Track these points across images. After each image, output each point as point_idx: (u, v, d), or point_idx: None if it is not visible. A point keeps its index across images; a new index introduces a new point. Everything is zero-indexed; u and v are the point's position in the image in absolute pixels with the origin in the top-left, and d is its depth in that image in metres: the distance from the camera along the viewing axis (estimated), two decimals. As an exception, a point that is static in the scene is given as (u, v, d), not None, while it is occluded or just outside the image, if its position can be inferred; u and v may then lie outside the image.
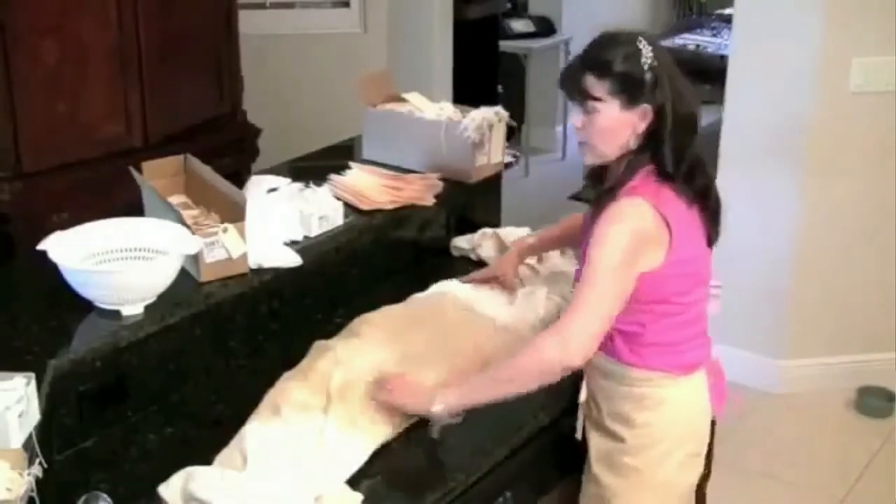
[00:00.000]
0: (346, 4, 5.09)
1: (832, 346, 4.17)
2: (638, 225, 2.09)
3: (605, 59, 2.12)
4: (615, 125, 2.13)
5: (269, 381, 2.43)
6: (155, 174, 2.66)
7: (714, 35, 6.29)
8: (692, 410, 2.29)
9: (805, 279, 4.08)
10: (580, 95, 2.15)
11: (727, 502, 3.53)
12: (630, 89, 2.10)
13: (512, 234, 2.99)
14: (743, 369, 4.17)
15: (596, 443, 2.31)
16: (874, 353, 4.17)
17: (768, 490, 3.66)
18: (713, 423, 2.40)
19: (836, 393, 4.14)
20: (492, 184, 3.18)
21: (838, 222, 4.02)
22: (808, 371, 4.17)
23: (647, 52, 2.10)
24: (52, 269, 2.23)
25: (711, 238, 2.25)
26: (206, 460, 2.13)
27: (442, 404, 2.16)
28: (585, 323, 2.08)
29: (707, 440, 2.36)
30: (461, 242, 3.05)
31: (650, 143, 2.13)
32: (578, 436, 2.37)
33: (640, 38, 2.13)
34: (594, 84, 2.12)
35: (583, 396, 2.37)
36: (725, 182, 4.12)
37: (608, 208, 2.11)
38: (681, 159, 2.13)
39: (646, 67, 2.10)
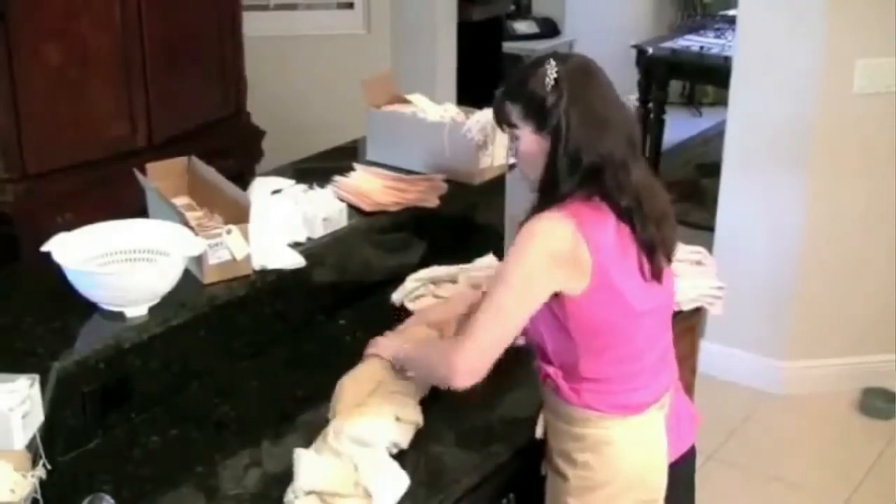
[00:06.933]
0: (350, 6, 5.10)
1: (836, 347, 4.17)
2: (550, 244, 2.00)
3: (514, 82, 2.09)
4: (534, 151, 2.07)
5: (273, 382, 2.45)
6: (159, 176, 2.67)
7: (718, 36, 6.26)
8: (640, 454, 2.14)
9: (809, 280, 4.08)
10: (503, 123, 2.12)
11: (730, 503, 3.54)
12: (536, 112, 2.03)
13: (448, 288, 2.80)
14: (746, 370, 4.19)
15: (549, 479, 2.21)
16: (878, 355, 4.17)
17: (772, 491, 3.65)
18: (690, 455, 2.30)
19: (840, 394, 4.13)
20: (496, 185, 3.18)
21: (842, 224, 4.02)
22: (811, 372, 4.16)
23: (551, 72, 2.01)
24: (56, 271, 2.23)
25: (652, 273, 2.09)
26: (210, 462, 2.14)
27: (398, 352, 2.31)
28: (474, 352, 2.03)
29: (662, 487, 2.17)
30: (396, 296, 2.78)
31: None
32: (543, 472, 2.26)
33: (551, 58, 2.04)
34: (510, 110, 2.08)
35: (539, 430, 2.24)
36: (729, 183, 4.18)
37: (528, 221, 2.04)
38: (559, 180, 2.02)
39: (548, 88, 2.02)
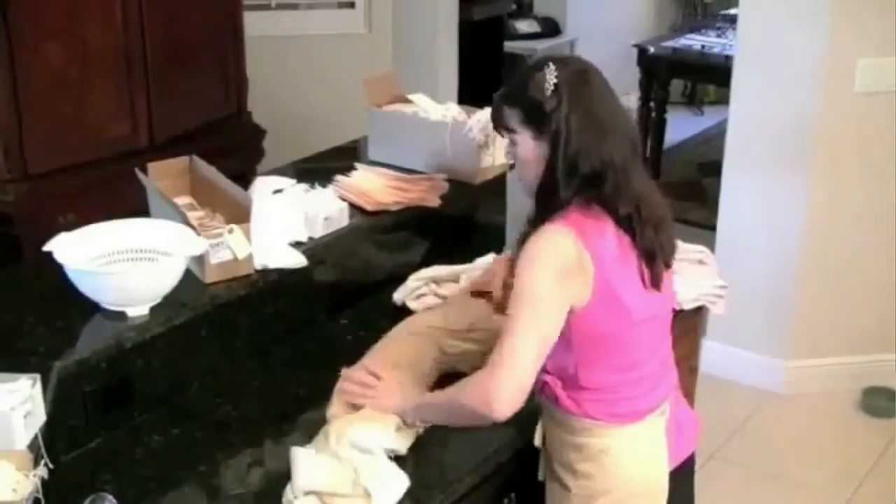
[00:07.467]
0: (351, 5, 5.09)
1: (837, 346, 4.17)
2: (559, 258, 1.97)
3: (513, 87, 2.07)
4: (532, 157, 2.04)
5: (275, 382, 2.45)
6: (160, 175, 2.67)
7: (719, 36, 6.27)
8: (640, 462, 2.13)
9: (810, 279, 4.08)
10: (502, 129, 2.10)
11: (732, 502, 3.54)
12: (536, 117, 2.01)
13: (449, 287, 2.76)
14: (748, 370, 4.19)
15: (549, 488, 2.20)
16: (879, 354, 4.17)
17: (774, 490, 3.65)
18: (692, 462, 2.29)
19: (841, 393, 4.13)
20: (497, 185, 3.18)
21: (843, 223, 4.02)
22: (813, 372, 4.16)
23: (550, 77, 1.98)
24: (57, 271, 2.23)
25: (651, 280, 2.07)
26: (212, 461, 2.14)
27: (412, 409, 2.16)
28: (510, 378, 1.96)
29: (664, 493, 2.17)
30: (398, 295, 2.76)
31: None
32: (541, 477, 2.26)
33: (550, 62, 2.01)
34: (509, 115, 2.06)
35: (538, 439, 2.22)
36: (730, 183, 4.18)
37: (530, 239, 2.01)
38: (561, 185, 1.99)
39: (548, 93, 1.98)
